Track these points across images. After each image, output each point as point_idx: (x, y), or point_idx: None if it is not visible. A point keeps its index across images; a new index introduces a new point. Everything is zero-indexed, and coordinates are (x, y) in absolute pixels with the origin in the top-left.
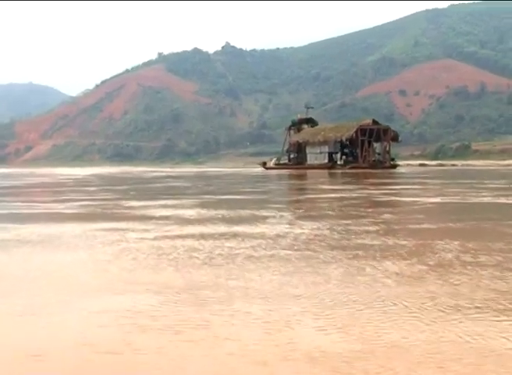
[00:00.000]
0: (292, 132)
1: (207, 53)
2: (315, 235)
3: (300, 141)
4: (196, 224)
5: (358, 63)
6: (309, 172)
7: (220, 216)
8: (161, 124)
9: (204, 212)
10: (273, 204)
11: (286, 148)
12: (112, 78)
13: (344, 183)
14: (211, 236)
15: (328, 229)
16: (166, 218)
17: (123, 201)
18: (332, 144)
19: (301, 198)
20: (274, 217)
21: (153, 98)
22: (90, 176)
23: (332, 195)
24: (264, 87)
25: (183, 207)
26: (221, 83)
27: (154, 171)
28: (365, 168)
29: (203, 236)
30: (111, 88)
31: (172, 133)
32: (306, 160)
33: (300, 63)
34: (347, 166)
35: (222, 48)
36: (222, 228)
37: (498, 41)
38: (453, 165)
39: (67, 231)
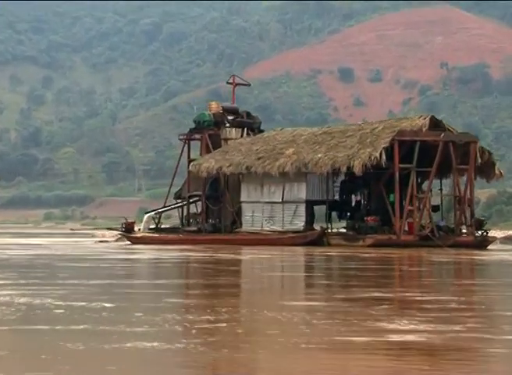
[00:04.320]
0: (198, 145)
1: None
2: None
3: (227, 172)
4: None
5: (243, 8)
6: (248, 263)
7: None
8: None
9: None
10: None
11: (180, 190)
12: None
13: None
14: None
15: None
16: None
17: None
18: (319, 182)
19: None
20: None
21: None
22: None
23: None
24: (35, 50)
25: None
26: None
27: None
28: (410, 245)
29: None
30: None
31: None
32: (240, 221)
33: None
34: (364, 240)
35: None
36: None
37: None
38: None
39: None
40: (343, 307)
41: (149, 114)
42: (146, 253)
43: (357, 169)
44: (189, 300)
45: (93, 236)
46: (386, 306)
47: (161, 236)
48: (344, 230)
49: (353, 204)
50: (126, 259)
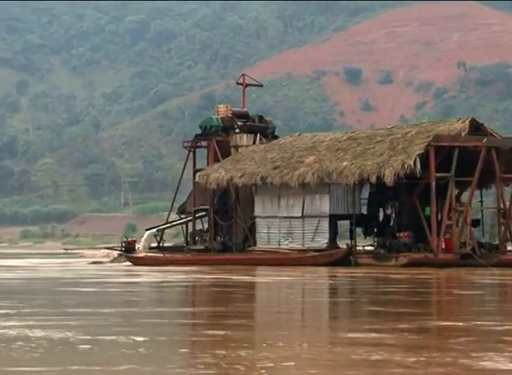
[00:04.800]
0: (204, 153)
1: None
2: None
3: (239, 184)
4: None
5: (239, 3)
6: (272, 286)
7: None
8: None
9: None
10: None
11: (184, 204)
12: None
13: None
14: None
15: None
16: None
17: None
18: (343, 194)
19: None
20: None
21: None
22: None
23: None
24: (9, 52)
25: None
26: None
27: None
28: (448, 265)
29: None
30: None
31: None
32: (254, 239)
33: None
34: (397, 259)
35: None
36: None
37: None
38: None
39: None
40: (417, 339)
41: (136, 121)
42: (151, 275)
43: (389, 179)
44: (230, 331)
45: (81, 256)
46: (465, 338)
47: (166, 256)
48: (372, 248)
49: (381, 218)
50: (132, 283)
